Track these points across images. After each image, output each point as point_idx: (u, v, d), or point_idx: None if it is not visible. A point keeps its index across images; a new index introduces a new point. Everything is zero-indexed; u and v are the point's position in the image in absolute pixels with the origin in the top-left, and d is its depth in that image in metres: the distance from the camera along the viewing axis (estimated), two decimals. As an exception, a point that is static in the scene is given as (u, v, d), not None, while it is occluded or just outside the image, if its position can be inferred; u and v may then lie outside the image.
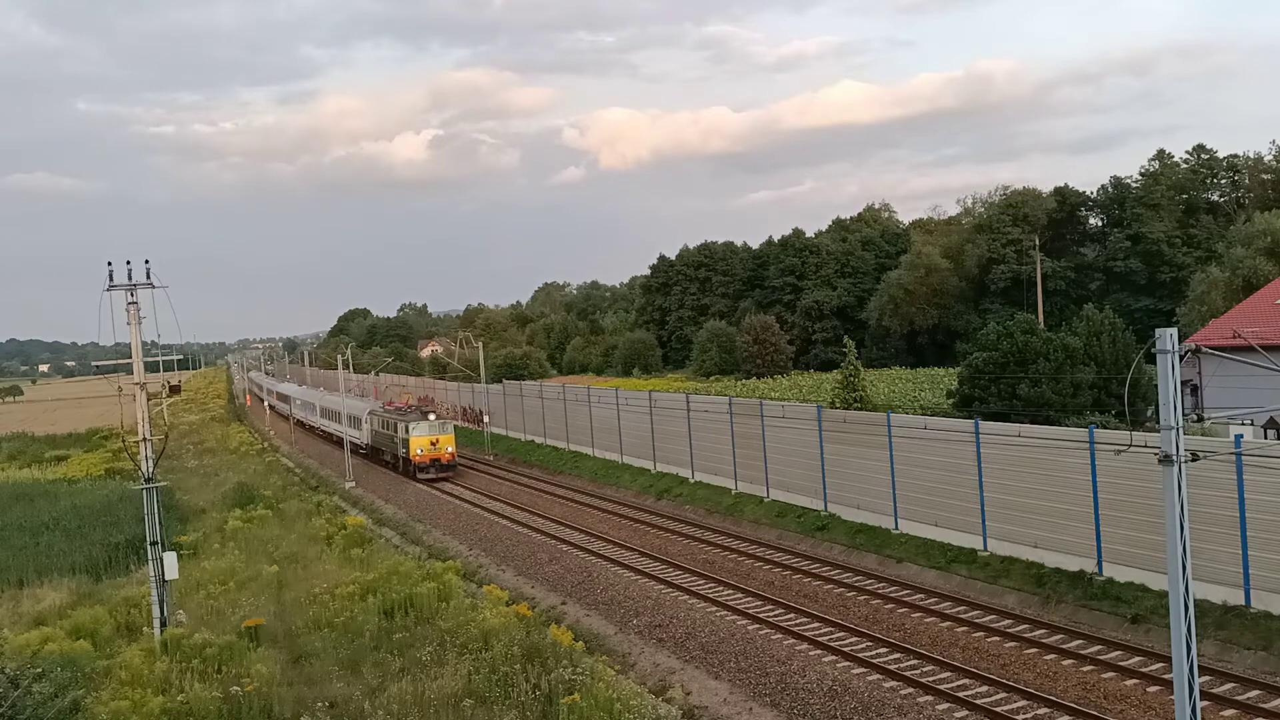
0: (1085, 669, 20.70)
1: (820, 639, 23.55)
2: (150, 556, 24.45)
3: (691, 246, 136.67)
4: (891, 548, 30.74)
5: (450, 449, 55.55)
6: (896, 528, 31.93)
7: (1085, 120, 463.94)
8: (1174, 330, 11.46)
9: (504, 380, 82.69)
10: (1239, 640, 20.77)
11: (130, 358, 24.14)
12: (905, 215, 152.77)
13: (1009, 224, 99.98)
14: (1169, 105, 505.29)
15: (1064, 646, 21.89)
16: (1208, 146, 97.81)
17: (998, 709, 18.79)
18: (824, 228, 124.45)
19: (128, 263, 23.44)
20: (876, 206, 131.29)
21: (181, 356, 29.01)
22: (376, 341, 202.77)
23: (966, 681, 20.46)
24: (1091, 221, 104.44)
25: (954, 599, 26.12)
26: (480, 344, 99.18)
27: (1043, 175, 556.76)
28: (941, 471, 30.94)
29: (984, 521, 28.62)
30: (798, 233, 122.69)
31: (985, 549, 28.36)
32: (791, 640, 23.51)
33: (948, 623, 24.36)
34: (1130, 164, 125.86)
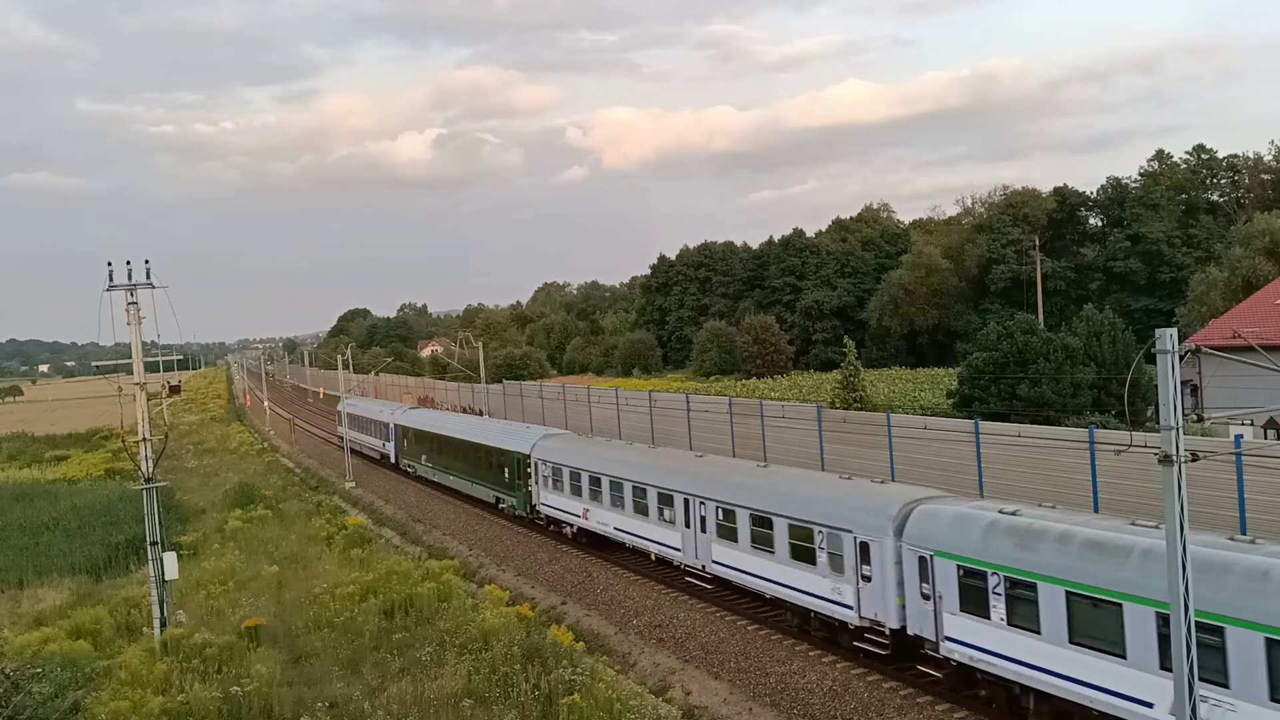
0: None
1: (821, 639, 23.52)
2: (150, 556, 24.45)
3: (694, 246, 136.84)
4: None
5: None
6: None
7: (1091, 119, 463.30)
8: (1174, 330, 11.46)
9: (504, 380, 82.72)
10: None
11: (130, 358, 24.13)
12: (910, 215, 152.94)
13: (1009, 224, 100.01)
14: (1176, 104, 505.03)
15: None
16: (1208, 146, 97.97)
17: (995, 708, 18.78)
18: (825, 228, 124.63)
19: (128, 263, 23.47)
20: (875, 206, 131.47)
21: (181, 357, 29.00)
22: (376, 341, 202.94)
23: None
24: (1091, 221, 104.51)
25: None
26: (480, 344, 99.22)
27: (1048, 175, 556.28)
28: (941, 472, 30.95)
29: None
30: (798, 233, 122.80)
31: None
32: (791, 640, 23.49)
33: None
34: (1137, 163, 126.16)
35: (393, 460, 57.57)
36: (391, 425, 57.44)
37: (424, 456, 51.23)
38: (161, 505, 25.94)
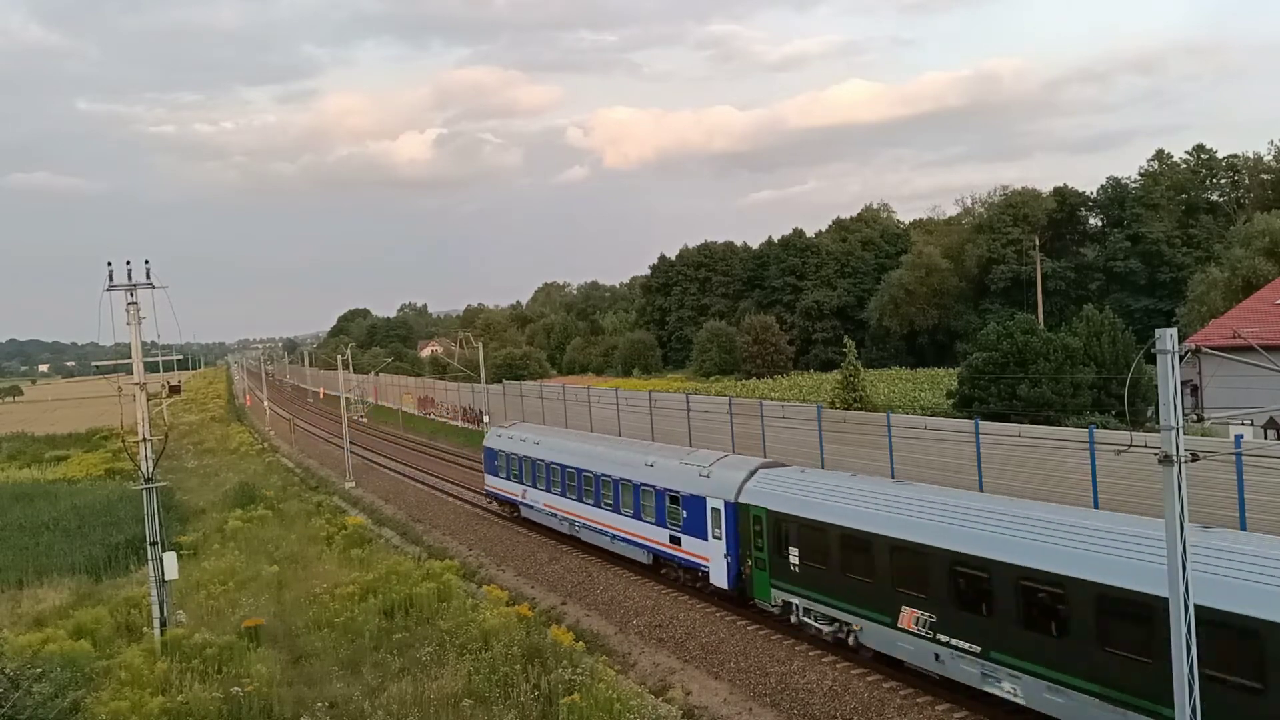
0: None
1: (821, 639, 23.52)
2: (150, 556, 24.44)
3: (694, 246, 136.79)
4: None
5: None
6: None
7: (1092, 119, 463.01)
8: (1174, 330, 11.46)
9: (504, 381, 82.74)
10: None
11: (130, 358, 24.13)
12: (910, 215, 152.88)
13: (1009, 224, 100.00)
14: (1176, 104, 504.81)
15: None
16: (1208, 146, 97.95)
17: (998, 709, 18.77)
18: (825, 228, 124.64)
19: (128, 263, 23.46)
20: (875, 206, 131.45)
21: (181, 357, 28.98)
22: (376, 341, 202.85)
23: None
24: (1091, 221, 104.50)
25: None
26: (480, 344, 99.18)
27: (1048, 175, 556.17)
28: (942, 472, 30.94)
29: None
30: (798, 233, 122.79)
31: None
32: (791, 640, 23.49)
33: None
34: (1137, 163, 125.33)
35: (724, 584, 25.97)
36: (723, 506, 25.78)
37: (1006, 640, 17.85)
38: (161, 505, 25.93)
